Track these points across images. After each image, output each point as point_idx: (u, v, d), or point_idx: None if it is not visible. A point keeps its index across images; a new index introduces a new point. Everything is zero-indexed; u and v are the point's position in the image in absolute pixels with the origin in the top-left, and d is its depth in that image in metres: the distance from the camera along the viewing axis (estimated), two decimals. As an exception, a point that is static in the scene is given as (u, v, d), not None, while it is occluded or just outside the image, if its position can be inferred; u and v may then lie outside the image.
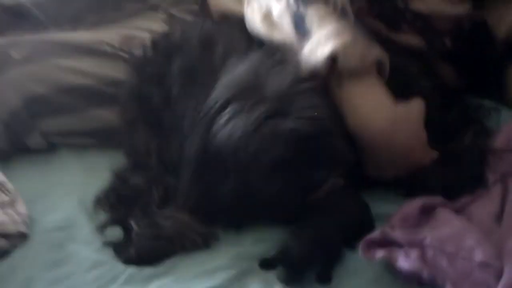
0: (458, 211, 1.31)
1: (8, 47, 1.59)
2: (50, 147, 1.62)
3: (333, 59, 1.34)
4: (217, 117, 1.26)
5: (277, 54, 1.35)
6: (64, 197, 1.44)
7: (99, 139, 1.59)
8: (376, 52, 1.37)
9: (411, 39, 1.56)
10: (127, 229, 1.31)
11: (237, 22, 1.51)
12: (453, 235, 1.21)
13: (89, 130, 1.58)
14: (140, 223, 1.31)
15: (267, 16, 1.46)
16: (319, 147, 1.27)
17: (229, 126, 1.25)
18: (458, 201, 1.34)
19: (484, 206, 1.32)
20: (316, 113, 1.27)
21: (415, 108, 1.38)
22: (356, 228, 1.28)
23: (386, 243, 1.22)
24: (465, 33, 1.58)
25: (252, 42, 1.43)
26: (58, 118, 1.59)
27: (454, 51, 1.60)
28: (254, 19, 1.47)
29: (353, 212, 1.31)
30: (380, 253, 1.20)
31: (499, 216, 1.30)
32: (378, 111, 1.35)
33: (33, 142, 1.60)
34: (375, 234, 1.23)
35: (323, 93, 1.33)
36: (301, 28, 1.40)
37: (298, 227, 1.27)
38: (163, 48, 1.49)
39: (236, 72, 1.30)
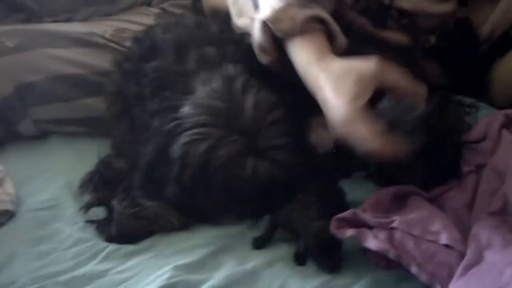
0: (431, 200, 1.35)
1: (1, 35, 1.64)
2: (42, 134, 1.67)
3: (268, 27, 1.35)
4: (182, 134, 1.30)
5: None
6: (51, 180, 1.49)
7: (89, 127, 1.64)
8: (309, 11, 1.35)
9: (396, 36, 1.60)
10: (109, 209, 1.36)
11: (223, 19, 1.54)
12: (420, 219, 1.24)
13: (80, 118, 1.63)
14: (122, 204, 1.34)
15: (235, 2, 1.49)
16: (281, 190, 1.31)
17: (196, 146, 1.29)
18: (432, 191, 1.38)
19: (456, 196, 1.35)
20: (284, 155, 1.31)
21: (360, 66, 1.30)
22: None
23: (357, 224, 1.25)
24: (450, 31, 1.62)
25: (227, 48, 1.44)
26: (49, 106, 1.63)
27: (439, 48, 1.64)
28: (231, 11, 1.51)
29: (327, 196, 1.34)
30: (350, 232, 1.23)
31: (471, 206, 1.33)
32: (306, 69, 1.34)
33: (25, 129, 1.65)
34: (346, 213, 1.26)
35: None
36: (255, 1, 1.41)
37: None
38: (142, 46, 1.52)
39: (209, 90, 1.33)
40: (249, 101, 1.30)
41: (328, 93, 1.28)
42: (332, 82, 1.28)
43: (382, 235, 1.22)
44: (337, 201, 1.37)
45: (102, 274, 1.24)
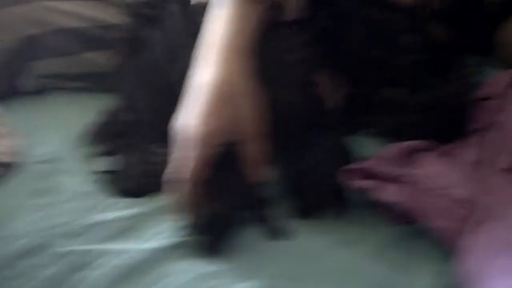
0: (442, 155, 1.33)
1: (0, -12, 1.60)
2: (43, 90, 1.63)
3: None
4: None
5: None
6: (54, 133, 1.46)
7: (92, 83, 1.60)
8: None
9: None
10: (116, 162, 1.34)
11: None
12: (434, 173, 1.23)
13: (82, 73, 1.60)
14: (130, 158, 1.32)
15: None
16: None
17: None
18: (442, 148, 1.36)
19: (463, 153, 1.34)
20: None
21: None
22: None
23: (366, 176, 1.24)
24: None
25: None
26: (50, 60, 1.60)
27: (445, 7, 1.61)
28: None
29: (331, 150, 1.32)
30: (360, 183, 1.22)
31: (478, 163, 1.31)
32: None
33: (25, 84, 1.61)
34: (355, 165, 1.25)
35: None
36: None
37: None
38: None
39: None
40: None
41: None
42: None
43: (393, 188, 1.21)
44: (344, 156, 1.34)
45: (102, 224, 1.24)
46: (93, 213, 1.26)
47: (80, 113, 1.53)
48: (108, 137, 1.40)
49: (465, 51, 1.65)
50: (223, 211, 1.21)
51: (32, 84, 1.62)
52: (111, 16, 1.58)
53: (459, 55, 1.61)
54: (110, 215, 1.26)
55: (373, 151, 1.36)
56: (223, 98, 1.18)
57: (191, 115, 1.18)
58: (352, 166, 1.25)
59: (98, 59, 1.59)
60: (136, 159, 1.33)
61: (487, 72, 1.58)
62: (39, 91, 1.63)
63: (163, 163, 1.26)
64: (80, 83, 1.61)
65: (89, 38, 1.60)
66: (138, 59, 1.46)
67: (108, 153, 1.37)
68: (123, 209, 1.27)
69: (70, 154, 1.40)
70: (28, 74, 1.61)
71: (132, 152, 1.35)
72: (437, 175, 1.22)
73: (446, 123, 1.40)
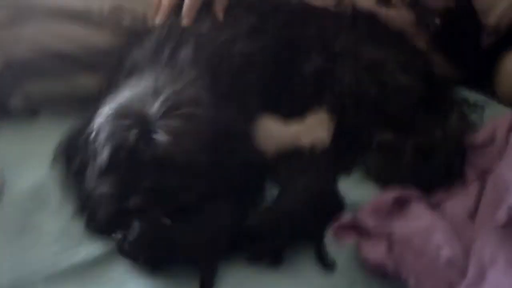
0: (433, 206, 1.30)
1: (-7, 8, 1.56)
2: (33, 112, 1.59)
3: None
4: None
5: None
6: (40, 164, 1.41)
7: (82, 106, 1.56)
8: None
9: (401, 15, 1.57)
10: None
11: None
12: (422, 230, 1.20)
13: (72, 96, 1.56)
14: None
15: None
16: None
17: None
18: (434, 196, 1.33)
19: (459, 202, 1.30)
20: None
21: None
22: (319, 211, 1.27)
23: (357, 230, 1.21)
24: (453, 13, 1.58)
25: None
26: (41, 81, 1.56)
27: (443, 33, 1.60)
28: None
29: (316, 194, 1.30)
30: (350, 239, 1.19)
31: (474, 213, 1.28)
32: None
33: (16, 105, 1.57)
34: (346, 219, 1.23)
35: None
36: None
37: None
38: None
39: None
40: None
41: None
42: None
43: (381, 246, 1.18)
44: (332, 202, 1.31)
45: (84, 270, 1.22)
46: (71, 255, 1.24)
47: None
48: (74, 154, 1.35)
49: (464, 85, 1.62)
50: None
51: (23, 105, 1.58)
52: (104, 40, 1.53)
53: (458, 90, 1.58)
54: (87, 256, 1.24)
55: (364, 194, 1.34)
56: None
57: None
58: (344, 220, 1.21)
59: (89, 83, 1.55)
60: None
61: (487, 109, 1.55)
62: (29, 115, 1.59)
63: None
64: (71, 106, 1.57)
65: (80, 61, 1.56)
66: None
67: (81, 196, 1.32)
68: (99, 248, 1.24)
69: (54, 189, 1.36)
70: (19, 95, 1.57)
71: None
72: (427, 232, 1.18)
73: (441, 169, 1.37)
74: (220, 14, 1.49)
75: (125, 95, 1.29)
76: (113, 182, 1.24)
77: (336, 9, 1.60)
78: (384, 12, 1.57)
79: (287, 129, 1.45)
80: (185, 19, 1.46)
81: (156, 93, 1.26)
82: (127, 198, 1.21)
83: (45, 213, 1.32)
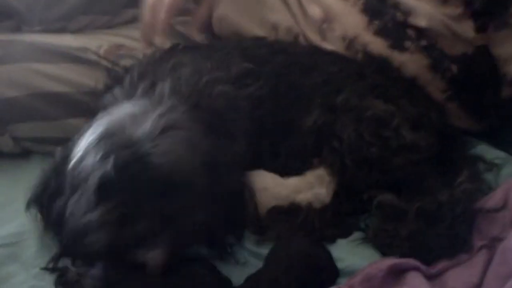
0: (431, 278, 1.19)
1: (-19, 46, 1.51)
2: (24, 153, 1.56)
3: None
4: None
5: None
6: (21, 211, 1.33)
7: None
8: None
9: (415, 60, 1.47)
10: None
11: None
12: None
13: (64, 138, 1.48)
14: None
15: None
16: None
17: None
18: (435, 266, 1.22)
19: (462, 275, 1.19)
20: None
21: None
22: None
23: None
24: (471, 60, 1.48)
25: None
26: (30, 123, 1.51)
27: (461, 83, 1.49)
28: None
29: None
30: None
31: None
32: None
33: (4, 145, 1.53)
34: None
35: None
36: None
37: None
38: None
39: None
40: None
41: None
42: None
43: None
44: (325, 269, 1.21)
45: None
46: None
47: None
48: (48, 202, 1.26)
49: (484, 139, 1.51)
50: None
51: (12, 146, 1.54)
52: (98, 82, 1.46)
53: (475, 146, 1.47)
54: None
55: (361, 260, 1.24)
56: None
57: None
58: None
59: (82, 125, 1.46)
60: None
61: (507, 166, 1.45)
62: (19, 154, 1.55)
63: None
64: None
65: (73, 103, 1.50)
66: None
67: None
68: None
69: (31, 238, 1.30)
70: (7, 135, 1.52)
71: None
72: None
73: (445, 238, 1.25)
74: (195, 34, 1.43)
75: (104, 121, 1.21)
76: (110, 208, 1.14)
77: (346, 53, 1.51)
78: (397, 57, 1.48)
79: (284, 182, 1.36)
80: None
81: (139, 115, 1.19)
82: (129, 224, 1.12)
83: (16, 265, 1.26)
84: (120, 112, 1.22)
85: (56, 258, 1.23)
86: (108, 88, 1.40)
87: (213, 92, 1.32)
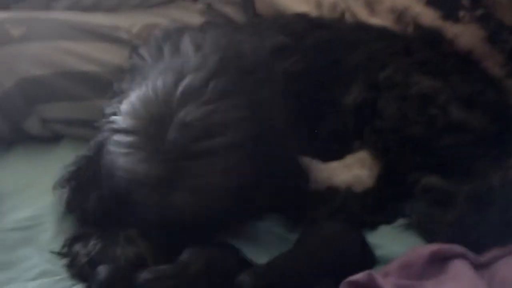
0: (480, 267, 1.08)
1: (7, 22, 1.46)
2: (54, 137, 1.50)
3: None
4: (112, 136, 1.12)
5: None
6: (41, 194, 1.30)
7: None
8: None
9: (470, 32, 1.39)
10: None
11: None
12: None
13: (94, 121, 1.41)
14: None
15: None
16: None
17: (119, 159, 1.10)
18: (485, 255, 1.10)
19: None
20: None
21: None
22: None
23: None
24: None
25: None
26: (57, 104, 1.46)
27: None
28: None
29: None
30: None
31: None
32: None
33: (32, 128, 1.48)
34: (361, 276, 1.03)
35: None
36: None
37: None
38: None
39: (149, 90, 1.12)
40: (178, 120, 1.07)
41: None
42: None
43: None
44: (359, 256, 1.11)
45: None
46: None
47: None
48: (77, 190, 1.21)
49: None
50: None
51: (39, 128, 1.48)
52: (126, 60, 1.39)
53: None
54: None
55: (404, 248, 1.13)
56: None
57: None
58: (357, 277, 1.01)
59: None
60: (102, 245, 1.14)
61: None
62: (49, 139, 1.49)
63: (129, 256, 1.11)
64: (89, 130, 1.41)
65: (102, 83, 1.43)
66: None
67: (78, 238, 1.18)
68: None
69: (48, 222, 1.25)
70: (33, 117, 1.47)
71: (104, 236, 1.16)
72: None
73: (499, 222, 1.13)
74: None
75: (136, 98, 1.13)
76: None
77: (395, 26, 1.43)
78: (450, 28, 1.39)
79: (321, 165, 1.25)
80: None
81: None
82: None
83: (30, 249, 1.21)
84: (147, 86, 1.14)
85: (69, 243, 1.18)
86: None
87: (241, 51, 1.24)
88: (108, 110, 1.18)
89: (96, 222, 1.17)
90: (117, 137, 1.10)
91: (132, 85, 1.18)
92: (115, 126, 1.12)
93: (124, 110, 1.11)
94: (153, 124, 1.07)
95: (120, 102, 1.16)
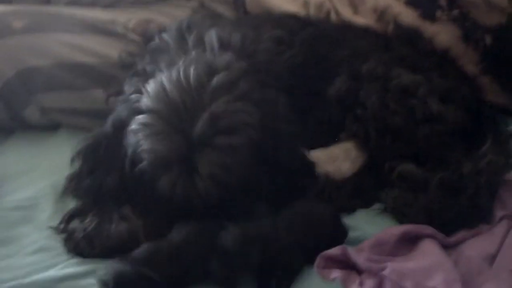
0: (448, 247, 1.15)
1: (9, 15, 1.52)
2: (51, 125, 1.56)
3: None
4: (136, 116, 1.17)
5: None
6: (40, 177, 1.38)
7: (99, 120, 1.48)
8: None
9: (447, 31, 1.45)
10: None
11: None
12: (419, 269, 1.06)
13: (91, 110, 1.49)
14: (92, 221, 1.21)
15: None
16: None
17: (142, 145, 1.15)
18: (453, 235, 1.18)
19: (480, 244, 1.15)
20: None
21: None
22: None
23: (346, 265, 1.08)
24: (507, 32, 1.44)
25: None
26: (57, 93, 1.51)
27: (495, 55, 1.45)
28: None
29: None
30: (335, 273, 1.07)
31: (494, 258, 1.12)
32: None
33: (31, 116, 1.54)
34: (334, 250, 1.10)
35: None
36: None
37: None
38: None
39: (180, 75, 1.17)
40: (209, 111, 1.13)
41: None
42: None
43: (370, 283, 1.04)
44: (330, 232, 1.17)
45: (56, 283, 1.13)
46: (50, 270, 1.16)
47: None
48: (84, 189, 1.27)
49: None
50: None
51: (39, 116, 1.54)
52: (125, 54, 1.46)
53: (505, 123, 1.42)
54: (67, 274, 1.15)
55: (376, 230, 1.19)
56: None
57: None
58: (331, 252, 1.08)
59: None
60: (98, 221, 1.21)
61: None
62: (48, 127, 1.55)
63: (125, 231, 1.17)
64: (87, 119, 1.51)
65: (98, 74, 1.50)
66: None
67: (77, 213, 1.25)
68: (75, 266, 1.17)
69: (46, 203, 1.32)
70: (32, 106, 1.53)
71: (101, 213, 1.22)
72: (425, 272, 1.04)
73: (466, 209, 1.20)
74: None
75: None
76: None
77: (377, 25, 1.49)
78: (428, 27, 1.45)
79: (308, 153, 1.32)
80: None
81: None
82: None
83: (29, 227, 1.27)
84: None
85: (66, 219, 1.23)
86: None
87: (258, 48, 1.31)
88: (128, 88, 1.24)
89: (106, 199, 1.22)
90: (144, 118, 1.15)
91: (157, 68, 1.24)
92: (141, 106, 1.16)
93: (154, 92, 1.16)
94: (185, 111, 1.13)
95: (143, 82, 1.21)
